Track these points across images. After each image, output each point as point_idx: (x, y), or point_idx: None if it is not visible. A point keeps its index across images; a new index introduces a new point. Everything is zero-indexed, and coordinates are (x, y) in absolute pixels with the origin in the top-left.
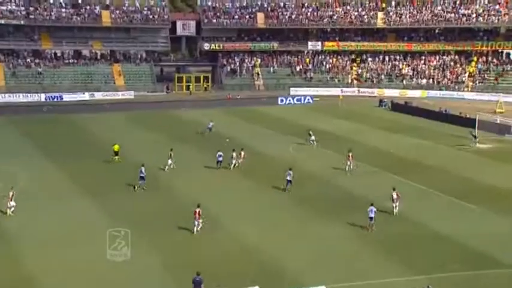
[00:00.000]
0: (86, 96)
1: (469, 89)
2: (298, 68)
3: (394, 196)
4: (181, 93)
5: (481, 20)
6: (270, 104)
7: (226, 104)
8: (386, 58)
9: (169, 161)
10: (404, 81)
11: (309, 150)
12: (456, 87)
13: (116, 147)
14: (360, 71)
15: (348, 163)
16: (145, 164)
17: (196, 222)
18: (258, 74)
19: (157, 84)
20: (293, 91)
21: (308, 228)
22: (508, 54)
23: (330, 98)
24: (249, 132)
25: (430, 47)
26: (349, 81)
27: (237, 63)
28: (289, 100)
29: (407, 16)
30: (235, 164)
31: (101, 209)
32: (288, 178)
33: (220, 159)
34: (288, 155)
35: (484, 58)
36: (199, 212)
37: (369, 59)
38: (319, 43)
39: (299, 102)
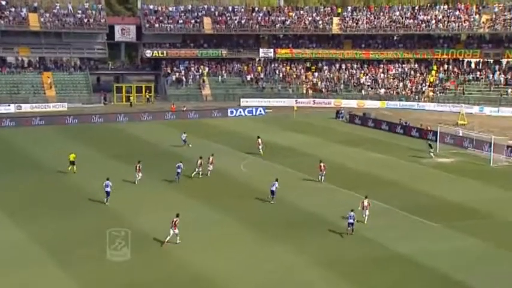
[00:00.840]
0: (12, 108)
1: (430, 100)
2: (249, 77)
3: (365, 204)
4: (120, 105)
5: (441, 27)
6: (219, 116)
7: (171, 116)
8: (343, 66)
9: (138, 174)
10: (362, 91)
11: (261, 166)
12: (416, 97)
13: (72, 156)
14: (315, 80)
15: (320, 173)
16: (92, 181)
17: (172, 232)
18: (205, 83)
19: (94, 95)
20: (244, 102)
21: (260, 252)
22: (469, 62)
23: (284, 109)
24: (196, 146)
25: (389, 55)
26: (304, 91)
27: (183, 72)
28: (240, 112)
29: (364, 22)
30: (198, 172)
31: (30, 231)
32: (273, 189)
33: (179, 170)
34: (239, 172)
35: (445, 66)
36: (176, 221)
37: (325, 67)
38: (271, 50)
39: (250, 114)
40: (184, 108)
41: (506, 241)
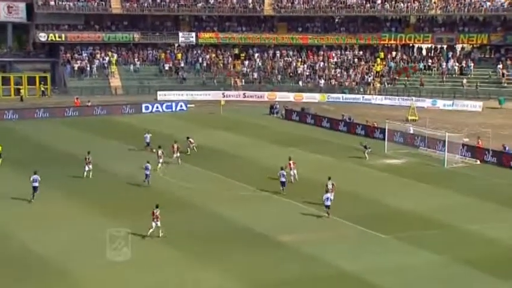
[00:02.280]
0: None
1: (376, 92)
2: (167, 66)
3: (329, 186)
4: (8, 99)
5: (388, 7)
6: (132, 113)
7: (72, 112)
8: (277, 53)
9: (89, 166)
10: (300, 82)
11: (182, 171)
12: (361, 89)
13: None
14: (245, 69)
15: (291, 173)
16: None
17: (154, 224)
18: (113, 73)
19: None
20: (161, 96)
21: (185, 273)
22: (419, 49)
23: (209, 104)
24: (104, 149)
25: (329, 40)
26: (233, 82)
27: (86, 60)
28: (157, 107)
29: (301, 1)
30: (163, 163)
31: None
32: (282, 179)
33: (148, 172)
34: (156, 177)
35: (394, 53)
36: (157, 212)
37: (256, 55)
38: (193, 34)
39: (169, 110)
40: (89, 103)
41: (462, 253)
